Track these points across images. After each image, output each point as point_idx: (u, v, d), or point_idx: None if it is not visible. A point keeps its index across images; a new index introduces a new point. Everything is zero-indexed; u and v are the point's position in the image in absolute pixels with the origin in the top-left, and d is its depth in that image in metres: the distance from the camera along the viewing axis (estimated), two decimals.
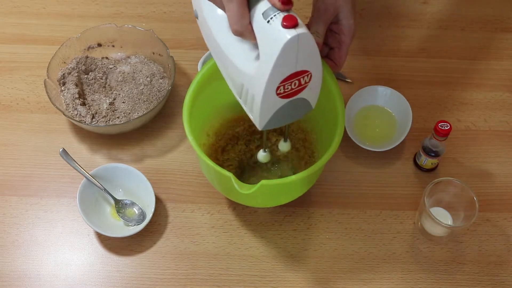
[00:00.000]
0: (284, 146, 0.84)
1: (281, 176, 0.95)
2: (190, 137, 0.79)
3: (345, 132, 0.90)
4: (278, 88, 0.66)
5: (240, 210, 0.93)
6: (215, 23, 0.72)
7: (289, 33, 0.61)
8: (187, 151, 0.99)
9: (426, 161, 0.94)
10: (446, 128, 0.88)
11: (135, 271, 0.88)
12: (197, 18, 0.76)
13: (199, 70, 0.84)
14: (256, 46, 0.66)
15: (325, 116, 0.86)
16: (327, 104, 0.83)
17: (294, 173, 0.91)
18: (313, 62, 0.66)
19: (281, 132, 0.96)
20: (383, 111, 1.01)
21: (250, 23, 0.65)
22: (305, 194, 0.89)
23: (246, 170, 0.96)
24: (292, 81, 0.66)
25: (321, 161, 0.78)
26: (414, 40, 1.12)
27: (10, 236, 0.91)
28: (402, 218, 0.93)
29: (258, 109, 0.68)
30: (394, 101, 1.00)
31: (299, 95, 0.69)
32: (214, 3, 0.68)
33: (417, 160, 0.96)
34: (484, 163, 0.98)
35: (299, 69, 0.65)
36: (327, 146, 0.80)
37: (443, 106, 1.04)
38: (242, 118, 0.94)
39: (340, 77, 1.06)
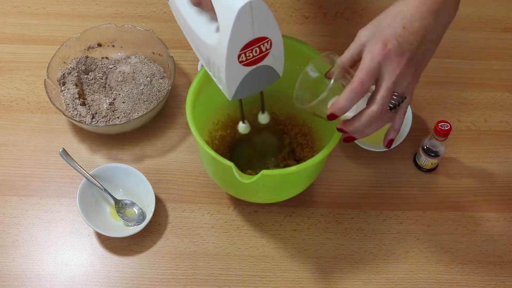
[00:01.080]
0: (262, 118, 0.85)
1: None
2: (192, 128, 0.79)
3: None
4: (239, 56, 0.67)
5: (240, 210, 0.93)
6: None
7: (242, 1, 0.63)
8: (187, 151, 0.99)
9: (426, 161, 0.94)
10: (446, 128, 0.88)
11: (135, 271, 0.88)
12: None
13: (199, 70, 0.84)
14: (216, 17, 0.68)
15: None
16: None
17: None
18: (270, 28, 0.68)
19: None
20: None
21: None
22: (305, 194, 0.89)
23: (252, 166, 0.95)
24: (253, 48, 0.68)
25: (322, 152, 0.78)
26: None
27: (10, 236, 0.91)
28: (402, 218, 0.93)
29: (224, 78, 0.70)
30: None
31: (262, 62, 0.70)
32: None
33: (417, 160, 0.96)
34: (484, 163, 0.98)
35: (256, 36, 0.67)
36: (328, 141, 0.80)
37: (443, 106, 1.04)
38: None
39: None
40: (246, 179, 0.77)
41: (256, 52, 0.68)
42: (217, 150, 0.93)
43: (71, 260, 0.89)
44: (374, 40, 0.70)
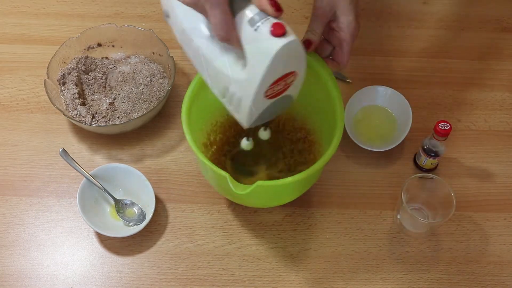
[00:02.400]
0: (264, 134, 0.85)
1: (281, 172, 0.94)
2: (188, 137, 0.79)
3: (345, 132, 0.90)
4: (267, 91, 0.67)
5: (240, 210, 0.93)
6: (192, 24, 0.71)
7: (280, 42, 0.62)
8: (187, 151, 0.99)
9: (426, 161, 0.94)
10: (446, 128, 0.88)
11: (135, 271, 0.88)
12: (168, 17, 0.75)
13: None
14: (240, 51, 0.66)
15: (325, 117, 0.86)
16: (327, 105, 0.83)
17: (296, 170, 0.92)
18: (300, 63, 0.68)
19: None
20: (383, 111, 1.01)
21: (235, 30, 0.65)
22: (305, 194, 0.89)
23: (249, 167, 0.95)
24: (279, 83, 0.67)
25: (318, 164, 0.78)
26: (414, 40, 1.12)
27: (10, 236, 0.91)
28: None
29: (246, 111, 0.69)
30: (394, 101, 1.00)
31: (285, 93, 0.70)
32: (194, 8, 0.67)
33: (417, 160, 0.96)
34: (484, 163, 0.98)
35: (286, 72, 0.66)
36: (326, 148, 0.80)
37: (443, 106, 1.04)
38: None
39: (340, 77, 1.06)
40: (240, 190, 0.77)
41: (281, 85, 0.68)
42: (216, 153, 0.93)
43: (71, 260, 0.89)
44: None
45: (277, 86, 0.67)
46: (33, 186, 0.96)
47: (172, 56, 1.01)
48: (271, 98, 0.69)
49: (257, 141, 0.96)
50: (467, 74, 1.08)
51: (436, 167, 0.97)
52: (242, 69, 0.67)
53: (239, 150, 0.93)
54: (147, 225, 0.89)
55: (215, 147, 0.94)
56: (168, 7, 0.74)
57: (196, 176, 0.96)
